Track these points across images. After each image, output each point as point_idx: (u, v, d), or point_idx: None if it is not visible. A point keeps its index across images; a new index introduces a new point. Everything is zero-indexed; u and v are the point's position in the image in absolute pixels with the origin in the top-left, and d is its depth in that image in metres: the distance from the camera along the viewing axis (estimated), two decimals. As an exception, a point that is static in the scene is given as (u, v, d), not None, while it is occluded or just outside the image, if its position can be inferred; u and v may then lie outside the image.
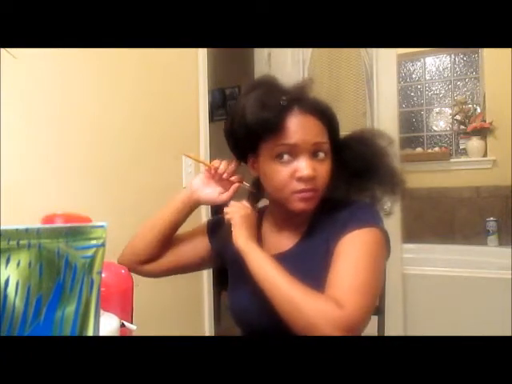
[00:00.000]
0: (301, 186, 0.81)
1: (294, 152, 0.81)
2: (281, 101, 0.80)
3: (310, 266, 0.83)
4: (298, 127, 0.81)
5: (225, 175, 0.91)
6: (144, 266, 0.98)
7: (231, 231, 0.86)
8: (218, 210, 0.99)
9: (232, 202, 0.91)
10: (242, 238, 0.84)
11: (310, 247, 0.87)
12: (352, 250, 0.78)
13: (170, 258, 0.99)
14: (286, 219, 0.91)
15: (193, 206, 0.96)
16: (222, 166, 0.92)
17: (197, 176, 0.96)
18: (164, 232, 0.96)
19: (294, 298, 0.73)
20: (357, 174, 0.89)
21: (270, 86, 0.85)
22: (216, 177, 0.93)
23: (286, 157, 0.81)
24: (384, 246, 0.83)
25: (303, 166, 0.80)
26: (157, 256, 0.98)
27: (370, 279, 0.75)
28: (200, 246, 1.01)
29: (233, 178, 0.92)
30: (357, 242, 0.79)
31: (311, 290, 0.74)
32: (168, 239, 0.98)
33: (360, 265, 0.76)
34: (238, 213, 0.88)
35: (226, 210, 0.90)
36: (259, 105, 0.80)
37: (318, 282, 0.77)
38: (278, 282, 0.76)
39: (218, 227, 0.99)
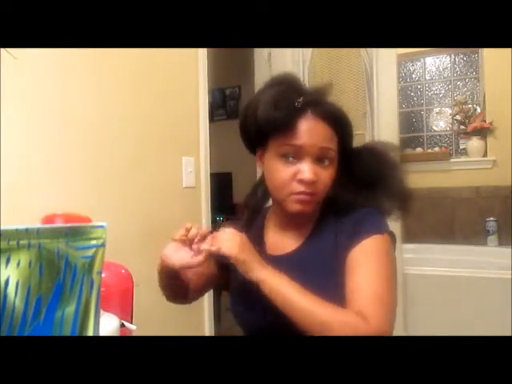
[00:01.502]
0: (300, 188, 0.81)
1: (299, 154, 0.81)
2: (296, 102, 0.80)
3: (315, 269, 0.83)
4: (307, 130, 0.81)
5: (195, 240, 0.81)
6: (184, 300, 0.99)
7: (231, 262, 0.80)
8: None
9: (220, 234, 0.82)
10: (252, 271, 0.78)
11: (315, 250, 0.87)
12: (366, 260, 0.79)
13: (196, 288, 0.98)
14: (289, 220, 0.90)
15: (168, 271, 0.86)
16: (193, 230, 0.82)
17: (169, 244, 0.85)
18: (172, 285, 0.92)
19: (320, 316, 0.73)
20: (366, 184, 0.88)
21: (288, 86, 0.84)
22: (187, 242, 0.83)
23: (291, 158, 0.81)
24: (393, 250, 0.84)
25: (305, 169, 0.80)
26: (186, 292, 0.96)
27: (388, 287, 0.77)
28: (211, 267, 0.99)
29: (203, 247, 0.81)
30: (369, 252, 0.80)
31: (334, 305, 0.74)
32: (181, 284, 0.93)
33: (377, 275, 0.77)
34: (233, 247, 0.79)
35: (216, 242, 0.81)
36: (272, 103, 0.80)
37: (323, 284, 0.77)
38: (299, 303, 0.74)
39: None
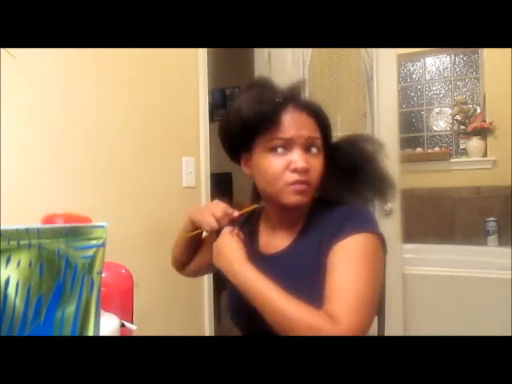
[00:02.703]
0: (295, 177, 0.81)
1: (289, 146, 0.83)
2: (276, 98, 0.83)
3: (302, 266, 0.84)
4: (293, 122, 0.83)
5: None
6: (183, 270, 1.11)
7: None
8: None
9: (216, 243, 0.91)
10: (228, 275, 0.84)
11: (302, 247, 0.87)
12: (348, 259, 0.77)
13: (196, 262, 1.09)
14: (280, 219, 0.91)
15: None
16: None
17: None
18: (185, 250, 1.07)
19: (287, 313, 0.72)
20: (347, 175, 0.90)
21: (264, 85, 0.87)
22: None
23: (280, 150, 0.83)
24: (380, 251, 0.82)
25: (297, 158, 0.82)
26: (189, 261, 1.09)
27: (367, 291, 0.74)
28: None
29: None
30: (352, 250, 0.78)
31: (305, 305, 0.72)
32: (191, 252, 1.08)
33: (357, 276, 0.75)
34: (215, 256, 0.89)
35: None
36: (256, 100, 0.82)
37: (309, 282, 0.77)
38: (270, 296, 0.75)
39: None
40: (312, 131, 0.84)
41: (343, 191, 0.90)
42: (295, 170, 0.81)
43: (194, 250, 1.07)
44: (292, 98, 0.85)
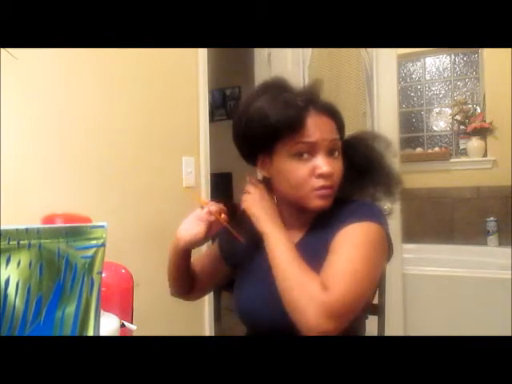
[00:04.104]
0: (320, 182, 0.82)
1: (313, 150, 0.83)
2: (298, 101, 0.82)
3: (312, 260, 0.84)
4: (317, 126, 0.83)
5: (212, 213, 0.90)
6: (188, 296, 1.05)
7: (247, 220, 0.89)
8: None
9: (247, 189, 0.92)
10: (260, 224, 0.85)
11: (313, 242, 0.88)
12: (347, 241, 0.79)
13: (201, 285, 1.04)
14: (292, 217, 0.92)
15: (184, 254, 0.95)
16: (213, 206, 0.91)
17: (183, 223, 0.95)
18: (180, 277, 1.00)
19: (288, 273, 0.76)
20: (359, 173, 0.91)
21: (283, 87, 0.86)
22: (206, 216, 0.91)
23: (305, 155, 0.83)
24: (383, 242, 0.83)
25: (322, 162, 0.82)
26: (192, 287, 1.03)
27: (361, 268, 0.76)
28: (217, 265, 1.04)
29: (222, 217, 0.90)
30: (353, 234, 0.80)
31: (308, 269, 0.76)
32: (188, 277, 1.01)
33: (353, 254, 0.77)
34: (249, 202, 0.89)
35: (243, 198, 0.92)
36: (280, 103, 0.81)
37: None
38: (281, 257, 0.79)
39: (226, 235, 1.01)
40: (334, 133, 0.85)
41: (355, 189, 0.91)
42: (321, 176, 0.82)
43: (187, 271, 1.00)
44: (312, 100, 0.84)
